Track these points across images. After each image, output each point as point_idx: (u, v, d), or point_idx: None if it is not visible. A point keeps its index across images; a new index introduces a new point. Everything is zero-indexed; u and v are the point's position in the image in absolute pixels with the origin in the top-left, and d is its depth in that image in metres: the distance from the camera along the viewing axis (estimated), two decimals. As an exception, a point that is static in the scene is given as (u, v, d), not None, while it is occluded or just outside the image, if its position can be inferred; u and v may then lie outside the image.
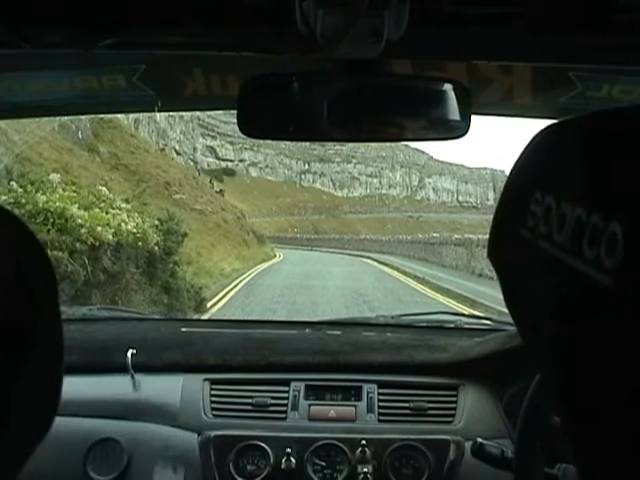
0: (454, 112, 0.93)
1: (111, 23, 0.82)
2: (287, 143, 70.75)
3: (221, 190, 40.38)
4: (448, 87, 0.93)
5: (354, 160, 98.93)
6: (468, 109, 0.93)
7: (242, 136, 1.02)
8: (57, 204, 6.75)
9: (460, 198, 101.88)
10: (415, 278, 15.54)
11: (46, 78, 1.08)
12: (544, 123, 0.39)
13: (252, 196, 74.85)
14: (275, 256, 27.21)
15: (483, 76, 1.06)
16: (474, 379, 1.38)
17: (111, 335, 1.56)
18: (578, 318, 0.31)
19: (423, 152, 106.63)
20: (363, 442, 1.24)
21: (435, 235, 26.04)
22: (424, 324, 1.76)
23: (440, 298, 11.56)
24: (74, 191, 7.75)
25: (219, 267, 15.28)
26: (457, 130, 0.94)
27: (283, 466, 1.23)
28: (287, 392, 1.36)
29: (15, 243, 0.40)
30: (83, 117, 16.00)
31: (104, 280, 7.08)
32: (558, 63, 0.97)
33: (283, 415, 1.33)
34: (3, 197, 6.59)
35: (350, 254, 29.88)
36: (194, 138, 70.71)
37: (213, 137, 79.76)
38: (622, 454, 0.28)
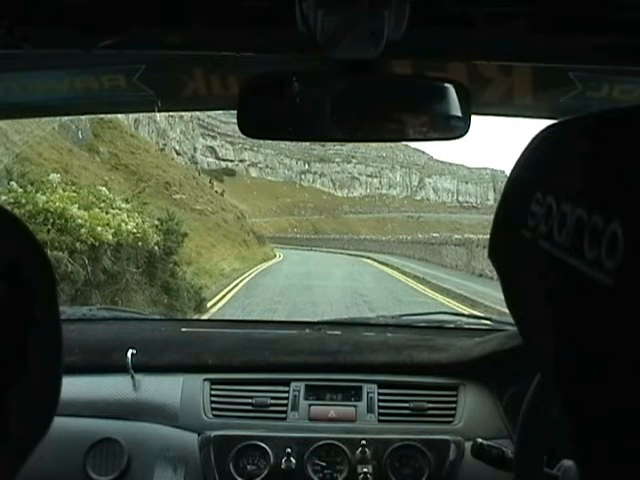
0: (454, 112, 0.93)
1: (111, 23, 0.82)
2: (287, 143, 70.85)
3: (221, 190, 40.41)
4: (448, 87, 0.93)
5: (354, 160, 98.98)
6: (468, 109, 0.93)
7: (242, 136, 1.02)
8: (57, 204, 6.74)
9: (460, 198, 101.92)
10: (415, 278, 15.54)
11: (46, 78, 1.08)
12: (544, 123, 0.39)
13: (252, 196, 74.86)
14: (275, 256, 27.22)
15: (483, 76, 1.06)
16: (474, 379, 1.38)
17: (111, 335, 1.55)
18: (579, 318, 0.31)
19: (423, 152, 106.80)
20: (363, 442, 1.24)
21: (435, 235, 26.05)
22: (424, 324, 1.75)
23: (440, 298, 11.56)
24: (74, 191, 7.74)
25: (219, 267, 15.29)
26: (457, 130, 0.94)
27: (283, 466, 1.23)
28: (287, 392, 1.36)
29: (14, 243, 0.40)
30: (83, 117, 16.03)
31: (104, 280, 7.08)
32: (558, 63, 0.97)
33: (283, 415, 1.33)
34: (3, 197, 6.59)
35: (350, 254, 29.90)
36: (194, 138, 70.72)
37: (213, 137, 79.79)
38: (623, 453, 0.28)
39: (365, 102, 0.94)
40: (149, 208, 10.25)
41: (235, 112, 0.93)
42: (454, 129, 0.94)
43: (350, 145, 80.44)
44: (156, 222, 9.06)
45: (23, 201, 6.59)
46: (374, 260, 24.50)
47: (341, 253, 31.76)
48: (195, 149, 71.12)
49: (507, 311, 0.40)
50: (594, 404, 0.30)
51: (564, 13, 0.81)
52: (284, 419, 1.33)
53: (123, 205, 8.53)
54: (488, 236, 0.43)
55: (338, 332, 1.64)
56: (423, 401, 1.35)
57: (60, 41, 0.86)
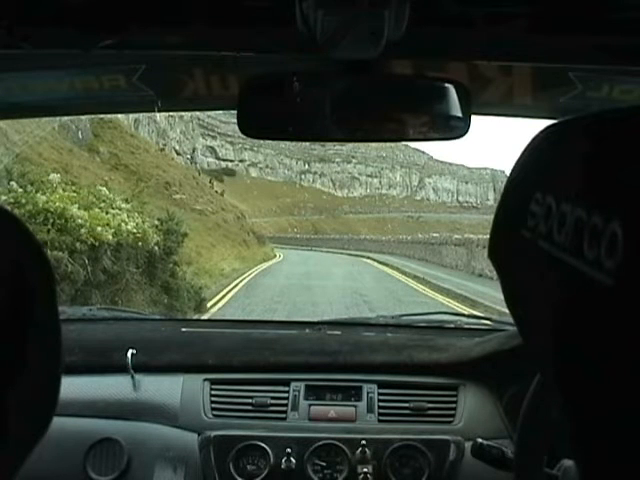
0: (454, 112, 0.93)
1: (111, 23, 0.82)
2: (287, 143, 70.89)
3: (221, 190, 40.43)
4: (448, 87, 0.93)
5: (354, 160, 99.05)
6: (468, 109, 0.93)
7: (242, 136, 1.02)
8: (57, 204, 6.74)
9: (460, 198, 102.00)
10: (415, 278, 15.54)
11: (46, 78, 1.08)
12: (544, 123, 0.39)
13: (252, 196, 74.89)
14: (275, 256, 27.22)
15: (483, 76, 1.06)
16: (474, 379, 1.38)
17: (111, 335, 1.55)
18: (579, 318, 0.31)
19: (423, 152, 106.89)
20: (363, 442, 1.24)
21: (435, 235, 26.06)
22: (424, 324, 1.75)
23: (440, 298, 11.56)
24: (74, 191, 7.74)
25: (219, 267, 15.29)
26: (457, 130, 0.94)
27: (283, 466, 1.23)
28: (287, 392, 1.36)
29: (14, 243, 0.40)
30: (83, 117, 16.03)
31: (104, 280, 7.08)
32: (558, 63, 0.97)
33: (283, 415, 1.33)
34: (3, 197, 6.59)
35: (350, 254, 29.91)
36: (194, 138, 70.74)
37: (213, 137, 79.84)
38: (623, 453, 0.28)
39: (365, 102, 0.94)
40: (149, 208, 10.25)
41: (235, 112, 0.93)
42: (454, 129, 0.94)
43: (350, 145, 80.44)
44: (156, 222, 9.06)
45: (23, 201, 6.59)
46: (374, 260, 24.51)
47: (341, 253, 31.78)
48: (195, 149, 71.12)
49: (507, 311, 0.40)
50: (594, 404, 0.30)
51: (564, 13, 0.81)
52: (284, 419, 1.33)
53: (123, 205, 8.52)
54: (488, 236, 0.43)
55: (338, 332, 1.64)
56: (423, 401, 1.35)
57: (60, 41, 0.86)
